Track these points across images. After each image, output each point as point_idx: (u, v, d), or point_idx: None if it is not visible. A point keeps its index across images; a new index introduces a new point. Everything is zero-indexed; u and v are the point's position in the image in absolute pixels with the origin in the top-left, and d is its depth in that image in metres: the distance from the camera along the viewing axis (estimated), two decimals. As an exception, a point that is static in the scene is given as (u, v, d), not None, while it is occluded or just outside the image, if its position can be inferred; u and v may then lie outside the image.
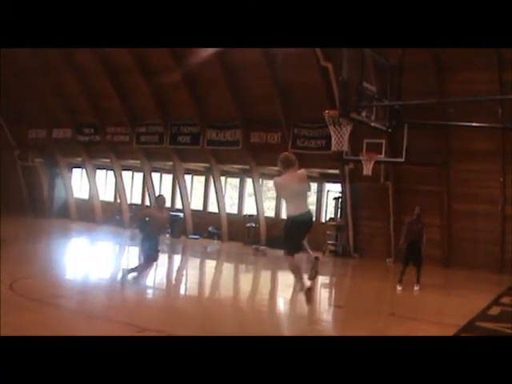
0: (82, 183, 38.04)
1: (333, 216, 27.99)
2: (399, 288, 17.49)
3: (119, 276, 14.75)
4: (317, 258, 10.80)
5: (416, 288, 17.55)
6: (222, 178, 31.44)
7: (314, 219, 10.45)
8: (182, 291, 17.75)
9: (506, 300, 16.35)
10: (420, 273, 17.68)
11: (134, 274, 14.82)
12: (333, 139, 16.21)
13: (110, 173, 35.70)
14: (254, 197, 29.88)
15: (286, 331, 12.26)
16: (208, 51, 25.31)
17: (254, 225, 29.28)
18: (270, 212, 30.65)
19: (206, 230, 30.97)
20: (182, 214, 31.54)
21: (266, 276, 22.65)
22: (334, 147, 16.77)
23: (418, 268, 17.67)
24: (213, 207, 32.26)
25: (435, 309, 15.68)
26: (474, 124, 18.31)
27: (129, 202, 35.05)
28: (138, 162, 33.33)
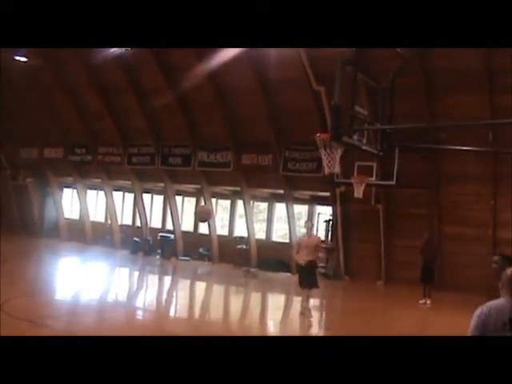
0: (73, 203, 37.97)
1: (323, 238, 27.94)
2: (421, 301, 20.10)
3: None
4: None
5: (428, 302, 20.04)
6: (213, 200, 31.43)
7: None
8: (172, 313, 17.72)
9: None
10: (431, 289, 20.33)
11: None
12: (324, 163, 16.22)
13: (101, 193, 35.68)
14: (244, 218, 29.85)
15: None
16: (201, 73, 25.45)
17: (244, 247, 29.23)
18: (260, 234, 30.61)
19: (197, 251, 30.88)
20: (172, 236, 31.50)
21: (255, 298, 22.63)
22: (325, 170, 16.81)
23: (430, 285, 20.36)
24: (203, 229, 32.18)
25: (426, 332, 15.66)
26: (465, 148, 18.40)
27: (119, 223, 34.99)
28: (129, 182, 33.29)
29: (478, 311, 5.42)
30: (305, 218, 29.74)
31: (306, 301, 16.48)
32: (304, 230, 18.34)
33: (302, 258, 16.28)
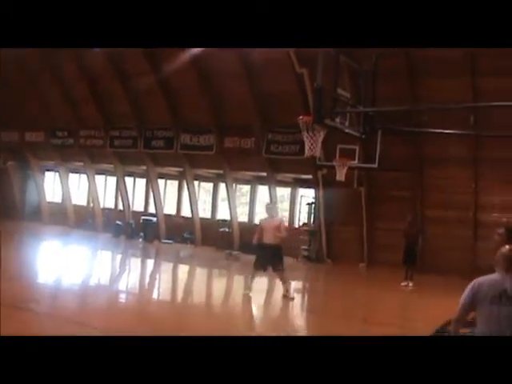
0: (55, 186, 37.80)
1: (306, 221, 28.00)
2: (403, 284, 20.25)
3: None
4: None
5: (410, 284, 20.17)
6: (196, 183, 31.37)
7: None
8: (155, 296, 17.70)
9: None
10: (413, 272, 20.52)
11: None
12: (306, 145, 16.20)
13: (84, 176, 35.53)
14: (227, 202, 29.83)
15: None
16: (184, 56, 25.29)
17: (227, 230, 29.22)
18: (243, 217, 30.59)
19: (180, 234, 30.81)
20: (155, 219, 31.45)
21: (238, 281, 22.65)
22: (307, 153, 16.76)
23: (412, 267, 20.54)
24: (186, 212, 32.13)
25: (407, 314, 15.76)
26: (447, 131, 18.45)
27: (102, 206, 34.89)
28: (112, 165, 33.18)
29: (471, 284, 5.90)
30: (287, 201, 29.89)
31: (251, 279, 16.28)
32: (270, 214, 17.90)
33: (257, 239, 16.13)
